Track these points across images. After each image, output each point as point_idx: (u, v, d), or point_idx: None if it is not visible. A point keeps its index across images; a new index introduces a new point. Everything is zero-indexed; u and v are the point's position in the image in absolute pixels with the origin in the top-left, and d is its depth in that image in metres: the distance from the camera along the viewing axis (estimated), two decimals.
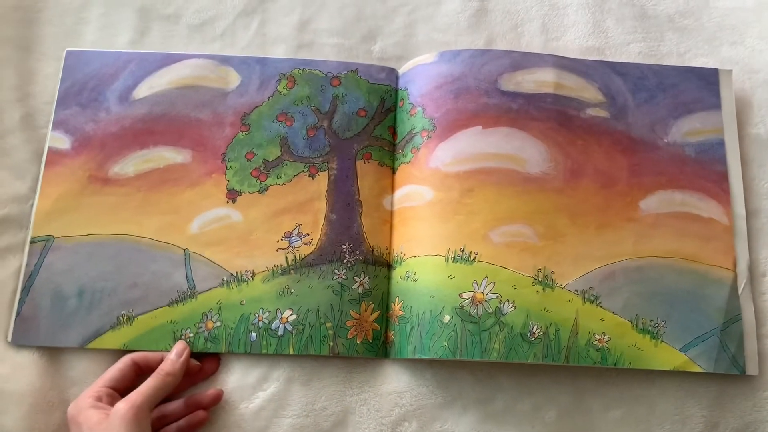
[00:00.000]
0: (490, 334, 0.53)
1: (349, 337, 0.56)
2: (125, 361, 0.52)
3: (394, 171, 0.60)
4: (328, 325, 0.56)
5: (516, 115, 0.59)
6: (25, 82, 0.62)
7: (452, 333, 0.53)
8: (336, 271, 0.57)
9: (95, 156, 0.58)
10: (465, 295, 0.54)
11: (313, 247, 0.58)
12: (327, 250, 0.58)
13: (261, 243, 0.58)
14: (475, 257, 0.55)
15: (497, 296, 0.54)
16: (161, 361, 0.52)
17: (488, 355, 0.53)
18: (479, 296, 0.54)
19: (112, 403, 0.49)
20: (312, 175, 0.60)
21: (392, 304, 0.57)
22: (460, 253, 0.55)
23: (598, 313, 0.55)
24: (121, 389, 0.51)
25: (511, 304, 0.54)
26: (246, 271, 0.57)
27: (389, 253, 0.58)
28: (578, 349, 0.54)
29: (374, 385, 0.56)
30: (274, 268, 0.57)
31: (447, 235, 0.56)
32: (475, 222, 0.56)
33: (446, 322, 0.54)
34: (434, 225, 0.56)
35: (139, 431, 0.45)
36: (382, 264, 0.58)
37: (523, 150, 0.58)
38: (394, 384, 0.56)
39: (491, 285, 0.54)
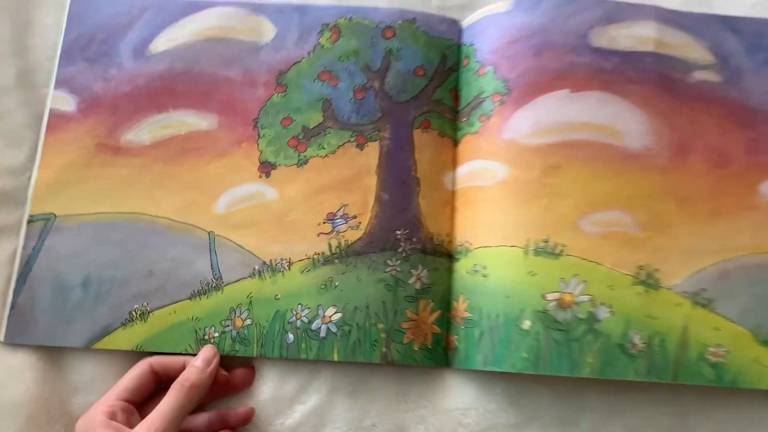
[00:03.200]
0: (581, 344, 0.43)
1: (404, 341, 0.46)
2: (142, 367, 0.43)
3: (456, 143, 0.50)
4: (380, 326, 0.46)
5: (610, 77, 0.48)
6: (21, 33, 0.53)
7: (534, 342, 0.44)
8: (389, 261, 0.47)
9: (105, 120, 0.49)
10: (550, 297, 0.44)
11: (362, 232, 0.48)
12: (378, 236, 0.48)
13: (299, 226, 0.48)
14: (561, 250, 0.45)
15: (590, 298, 0.44)
16: (183, 367, 0.43)
17: (579, 370, 0.43)
18: (568, 298, 0.44)
19: (128, 420, 0.40)
20: (360, 146, 0.50)
21: (455, 302, 0.47)
22: (543, 244, 0.45)
23: (712, 321, 0.45)
24: (137, 401, 0.42)
25: (607, 309, 0.44)
26: (282, 259, 0.48)
27: (451, 242, 0.48)
28: (688, 364, 0.44)
29: (433, 400, 0.47)
30: (315, 257, 0.48)
31: (526, 222, 0.46)
32: (561, 207, 0.46)
33: (526, 328, 0.44)
34: (510, 209, 0.46)
35: None
36: (442, 254, 0.48)
37: (620, 119, 0.48)
38: (458, 399, 0.47)
39: (582, 285, 0.44)
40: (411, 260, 0.48)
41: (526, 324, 0.44)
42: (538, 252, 0.45)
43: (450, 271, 0.49)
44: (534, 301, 0.45)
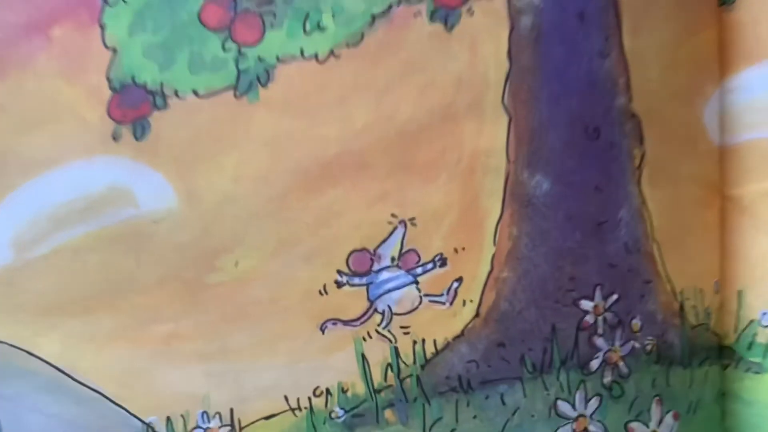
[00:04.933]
0: None
1: None
2: None
3: None
4: None
5: None
6: None
7: None
8: (565, 406, 0.14)
9: None
10: None
11: (471, 310, 0.14)
12: (524, 319, 0.14)
13: (257, 301, 0.14)
14: None
15: None
16: None
17: None
18: None
19: None
20: (444, 16, 0.15)
21: None
22: None
23: None
24: None
25: None
26: (206, 415, 0.14)
27: (726, 312, 0.15)
28: None
29: None
30: (316, 407, 0.14)
31: None
32: None
33: None
34: None
35: None
36: (711, 356, 0.15)
37: None
38: None
39: None
40: (628, 390, 0.15)
41: None
42: None
43: (734, 401, 0.16)
44: None
